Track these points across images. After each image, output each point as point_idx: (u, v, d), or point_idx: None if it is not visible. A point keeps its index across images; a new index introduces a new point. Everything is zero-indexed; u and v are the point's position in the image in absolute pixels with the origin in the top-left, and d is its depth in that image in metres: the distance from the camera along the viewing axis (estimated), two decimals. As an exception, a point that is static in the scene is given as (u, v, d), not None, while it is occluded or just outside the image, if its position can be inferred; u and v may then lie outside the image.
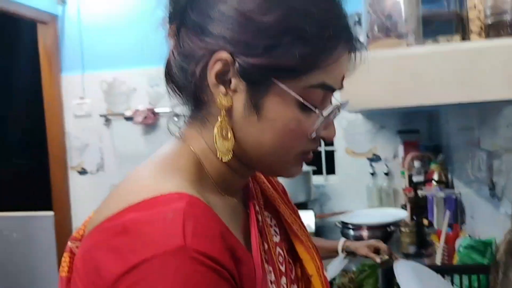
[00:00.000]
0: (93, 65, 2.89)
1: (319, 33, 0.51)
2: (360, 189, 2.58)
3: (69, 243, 0.56)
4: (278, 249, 0.64)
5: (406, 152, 2.32)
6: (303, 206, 2.37)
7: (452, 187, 2.00)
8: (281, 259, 0.64)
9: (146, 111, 2.77)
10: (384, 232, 2.07)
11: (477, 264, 1.29)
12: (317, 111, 0.54)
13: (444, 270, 1.26)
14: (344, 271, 1.55)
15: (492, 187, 1.35)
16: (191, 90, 0.55)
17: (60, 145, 2.94)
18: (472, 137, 1.59)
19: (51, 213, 2.97)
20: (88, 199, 2.87)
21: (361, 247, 1.35)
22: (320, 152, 2.76)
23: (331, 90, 0.55)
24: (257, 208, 0.63)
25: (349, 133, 2.63)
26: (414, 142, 2.35)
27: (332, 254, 1.38)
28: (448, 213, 1.65)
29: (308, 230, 2.15)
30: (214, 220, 0.50)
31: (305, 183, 2.41)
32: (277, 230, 0.67)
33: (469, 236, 1.59)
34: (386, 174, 2.53)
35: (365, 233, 2.07)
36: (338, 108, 0.56)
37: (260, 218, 0.62)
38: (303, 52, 0.51)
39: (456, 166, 1.96)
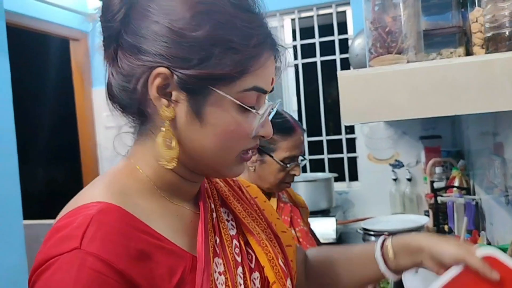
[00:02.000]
0: (122, 78, 3.02)
1: (245, 42, 0.58)
2: (383, 195, 2.59)
3: None
4: (234, 241, 0.69)
5: (428, 158, 2.31)
6: (325, 213, 2.40)
7: (474, 193, 2.00)
8: (237, 250, 0.68)
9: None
10: (405, 238, 2.07)
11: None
12: (253, 110, 0.60)
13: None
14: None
15: (507, 193, 1.36)
16: (135, 107, 0.61)
17: (92, 156, 3.08)
18: (490, 143, 1.59)
19: (84, 220, 3.10)
20: (118, 207, 2.98)
21: None
22: (342, 159, 2.78)
23: (263, 91, 0.62)
24: (212, 205, 0.69)
25: (371, 140, 2.65)
26: (436, 147, 2.34)
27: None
28: (466, 219, 1.65)
29: (329, 237, 2.18)
30: (130, 224, 0.55)
31: (327, 190, 2.44)
32: (234, 224, 0.72)
33: (488, 243, 1.59)
34: (409, 180, 2.53)
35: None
36: (271, 107, 0.63)
37: (214, 215, 0.68)
38: (233, 60, 0.57)
39: (477, 172, 1.95)
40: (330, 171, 2.78)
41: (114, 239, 0.53)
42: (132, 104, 0.61)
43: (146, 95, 0.59)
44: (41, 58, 3.57)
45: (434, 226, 1.99)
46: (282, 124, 1.36)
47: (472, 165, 2.06)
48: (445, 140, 2.46)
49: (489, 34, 0.94)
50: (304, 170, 2.88)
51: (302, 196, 2.40)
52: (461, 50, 1.04)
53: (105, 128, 3.08)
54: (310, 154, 2.87)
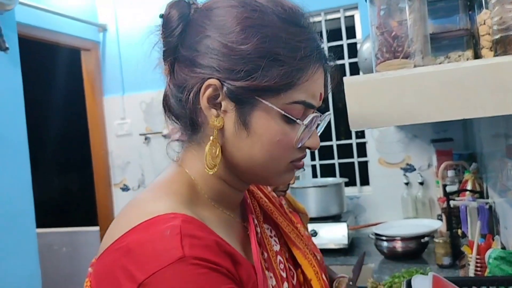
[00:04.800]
0: (132, 87, 3.05)
1: (291, 55, 0.59)
2: (395, 199, 2.57)
3: (89, 269, 0.62)
4: (278, 257, 0.70)
5: (440, 161, 2.29)
6: (337, 218, 2.38)
7: (487, 196, 1.97)
8: (282, 266, 0.69)
9: (182, 129, 2.89)
10: (418, 243, 2.06)
11: (507, 275, 1.28)
12: (299, 121, 0.61)
13: (467, 282, 1.26)
14: (374, 282, 1.57)
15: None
16: (187, 116, 0.63)
17: (104, 164, 3.11)
18: (502, 145, 1.57)
19: (97, 228, 3.13)
20: (130, 215, 3.00)
21: None
22: (353, 164, 2.77)
23: (310, 106, 0.62)
24: (255, 221, 0.69)
25: (381, 143, 2.63)
26: (448, 151, 2.32)
27: None
28: (479, 223, 1.63)
29: (341, 242, 2.17)
30: (208, 232, 0.56)
31: (337, 195, 2.43)
32: (276, 240, 0.73)
33: (503, 247, 1.56)
34: (421, 183, 2.50)
35: (398, 244, 2.07)
36: (317, 118, 0.63)
37: (259, 230, 0.69)
38: (279, 72, 0.59)
39: (490, 175, 1.93)
40: (340, 176, 2.76)
41: (209, 244, 0.54)
42: (185, 114, 0.64)
43: (197, 105, 0.61)
44: (52, 68, 3.62)
45: (447, 231, 1.97)
46: None
47: (485, 168, 2.03)
48: (457, 143, 2.44)
49: (497, 37, 0.93)
50: (314, 175, 2.87)
51: (313, 202, 2.40)
52: (469, 53, 1.03)
53: (116, 136, 3.11)
54: (320, 159, 2.86)
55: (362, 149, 2.75)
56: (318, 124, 0.65)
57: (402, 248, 2.06)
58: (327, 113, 0.67)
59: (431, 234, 2.09)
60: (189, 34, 0.62)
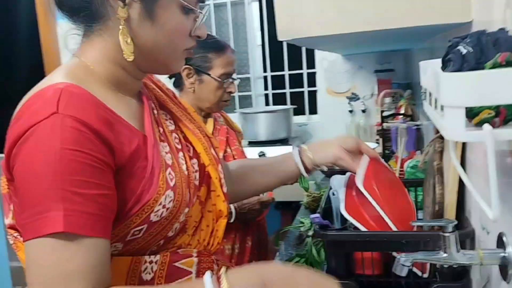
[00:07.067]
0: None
1: None
2: (339, 126, 2.75)
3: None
4: (174, 134, 0.83)
5: (380, 89, 2.47)
6: (284, 142, 2.56)
7: (418, 120, 2.17)
8: (177, 140, 0.82)
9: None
10: (355, 162, 2.26)
11: (415, 178, 1.48)
12: (196, 9, 0.73)
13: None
14: (308, 192, 1.75)
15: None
16: (89, 9, 0.70)
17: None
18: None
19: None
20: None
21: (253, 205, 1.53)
22: (303, 93, 2.91)
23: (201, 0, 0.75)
24: (152, 104, 0.80)
25: (330, 73, 2.78)
26: (388, 80, 2.49)
27: None
28: (404, 140, 1.83)
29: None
30: (92, 100, 0.65)
31: (286, 121, 2.59)
32: (172, 122, 0.85)
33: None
34: (363, 111, 2.69)
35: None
36: (204, 13, 0.75)
37: (155, 111, 0.80)
38: None
39: (420, 101, 2.11)
40: (291, 104, 2.91)
41: (86, 106, 0.63)
42: (85, 7, 0.70)
43: None
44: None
45: (382, 152, 2.17)
46: (214, 43, 1.49)
47: (418, 95, 2.22)
48: (398, 74, 2.61)
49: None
50: (267, 103, 3.00)
51: (263, 127, 2.55)
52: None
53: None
54: (273, 88, 2.99)
55: (312, 80, 2.89)
56: (204, 17, 0.76)
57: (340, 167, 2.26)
58: (206, 5, 0.78)
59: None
60: None
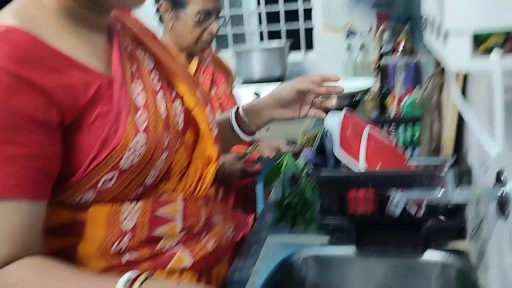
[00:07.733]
0: None
1: None
2: (336, 63, 2.67)
3: None
4: (152, 73, 0.76)
5: (379, 24, 2.37)
6: (280, 80, 2.49)
7: (417, 56, 2.10)
8: (155, 81, 0.76)
9: None
10: (351, 101, 2.21)
11: (410, 115, 1.44)
12: None
13: (383, 121, 1.42)
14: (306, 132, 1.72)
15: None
16: None
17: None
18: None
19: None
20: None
21: (265, 150, 1.46)
22: (299, 30, 2.80)
23: None
24: (125, 41, 0.74)
25: (326, 7, 2.65)
26: (387, 13, 2.39)
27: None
28: (401, 77, 1.77)
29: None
30: (31, 46, 0.59)
31: (281, 59, 2.51)
32: (150, 60, 0.78)
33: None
34: (361, 47, 2.60)
35: (333, 101, 2.22)
36: None
37: (129, 48, 0.74)
38: None
39: (420, 35, 2.03)
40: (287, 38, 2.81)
41: (20, 56, 0.57)
42: None
43: None
44: None
45: (380, 89, 2.12)
46: None
47: (419, 30, 2.13)
48: (398, 7, 2.49)
49: None
50: (261, 38, 2.90)
51: (257, 65, 2.48)
52: None
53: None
54: (268, 23, 2.87)
55: (308, 16, 2.77)
56: None
57: (336, 106, 2.22)
58: None
59: (366, 92, 2.24)
60: None
